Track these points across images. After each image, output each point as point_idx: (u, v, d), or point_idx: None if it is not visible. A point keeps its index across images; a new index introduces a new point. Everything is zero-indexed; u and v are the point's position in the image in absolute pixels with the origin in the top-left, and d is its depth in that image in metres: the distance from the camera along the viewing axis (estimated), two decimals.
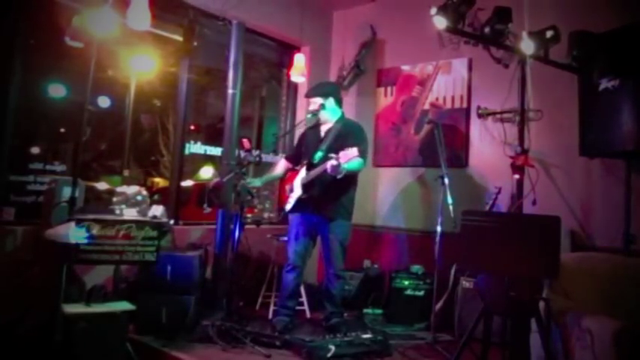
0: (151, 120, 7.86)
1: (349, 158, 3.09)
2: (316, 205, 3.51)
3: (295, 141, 4.13)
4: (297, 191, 3.55)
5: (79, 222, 2.72)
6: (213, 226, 4.02)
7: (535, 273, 2.45)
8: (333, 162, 3.09)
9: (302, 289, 3.89)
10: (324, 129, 3.67)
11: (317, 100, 3.62)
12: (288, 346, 3.14)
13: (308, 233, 3.60)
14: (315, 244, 3.71)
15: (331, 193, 3.50)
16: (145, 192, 3.30)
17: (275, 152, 4.63)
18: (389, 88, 4.90)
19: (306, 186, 3.49)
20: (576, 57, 3.37)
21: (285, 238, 3.81)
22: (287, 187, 3.69)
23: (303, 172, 3.55)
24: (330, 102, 3.63)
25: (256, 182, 3.70)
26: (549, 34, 3.28)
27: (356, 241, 3.72)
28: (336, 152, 3.25)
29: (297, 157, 3.83)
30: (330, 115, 3.64)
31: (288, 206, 3.60)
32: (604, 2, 3.52)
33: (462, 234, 2.55)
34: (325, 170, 3.23)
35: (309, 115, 3.69)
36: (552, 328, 2.57)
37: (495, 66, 3.67)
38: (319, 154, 3.50)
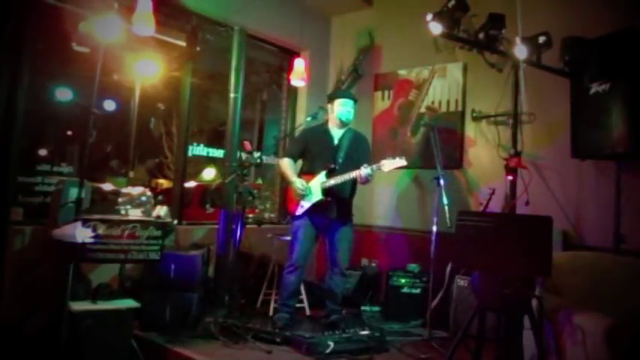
0: (158, 124, 7.91)
1: (395, 167, 3.34)
2: (331, 209, 3.57)
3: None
4: (315, 196, 3.56)
5: (85, 222, 2.77)
6: (216, 226, 4.09)
7: (528, 271, 2.48)
8: (368, 171, 3.33)
9: (302, 287, 3.94)
10: (336, 135, 3.69)
11: (352, 104, 3.71)
12: (289, 343, 3.19)
13: (314, 235, 3.66)
14: (316, 245, 3.77)
15: (347, 198, 3.64)
16: (149, 193, 3.33)
17: (276, 154, 4.70)
18: (386, 92, 4.97)
19: (327, 190, 3.53)
20: (568, 62, 3.40)
21: (287, 238, 3.88)
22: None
23: (322, 177, 3.56)
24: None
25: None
26: (542, 39, 3.32)
27: (354, 240, 3.79)
28: (353, 160, 3.49)
29: (298, 156, 3.79)
30: (348, 122, 3.71)
31: (301, 210, 3.59)
32: (595, 9, 3.57)
33: (457, 234, 2.57)
34: (358, 177, 3.41)
35: (308, 119, 3.76)
36: (545, 325, 2.59)
37: (489, 70, 3.70)
38: (341, 162, 3.58)
